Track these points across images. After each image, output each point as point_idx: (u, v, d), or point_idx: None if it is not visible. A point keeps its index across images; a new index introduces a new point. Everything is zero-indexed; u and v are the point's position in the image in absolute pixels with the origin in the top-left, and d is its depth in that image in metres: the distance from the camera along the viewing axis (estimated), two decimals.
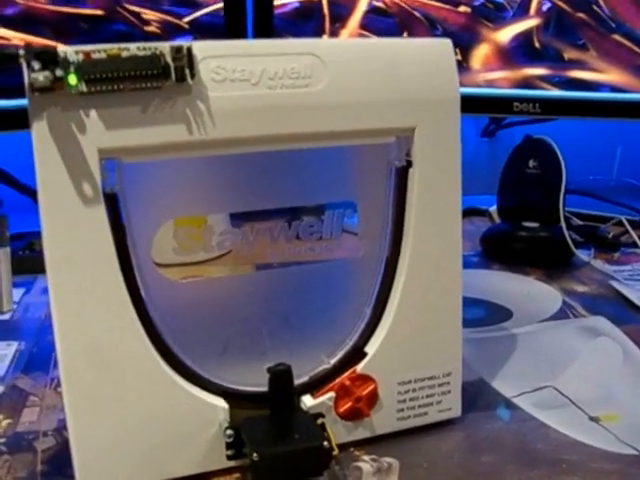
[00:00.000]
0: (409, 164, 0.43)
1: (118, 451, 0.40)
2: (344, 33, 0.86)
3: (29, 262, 0.74)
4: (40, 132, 0.35)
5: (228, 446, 0.41)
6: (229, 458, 0.41)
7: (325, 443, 0.39)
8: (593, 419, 0.48)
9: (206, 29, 0.81)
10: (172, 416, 0.40)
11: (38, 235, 0.37)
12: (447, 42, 0.43)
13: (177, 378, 0.40)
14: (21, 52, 0.33)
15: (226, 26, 0.82)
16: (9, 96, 0.73)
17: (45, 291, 0.38)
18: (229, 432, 0.40)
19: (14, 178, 0.90)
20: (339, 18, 0.86)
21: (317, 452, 0.39)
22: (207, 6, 0.81)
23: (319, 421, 0.42)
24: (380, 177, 0.44)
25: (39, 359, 0.57)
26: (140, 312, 0.39)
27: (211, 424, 0.41)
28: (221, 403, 0.41)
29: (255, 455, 0.37)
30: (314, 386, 0.44)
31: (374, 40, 0.43)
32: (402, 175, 0.43)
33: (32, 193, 0.36)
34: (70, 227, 0.37)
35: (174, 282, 0.42)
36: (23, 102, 0.35)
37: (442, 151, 0.43)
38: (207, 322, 0.42)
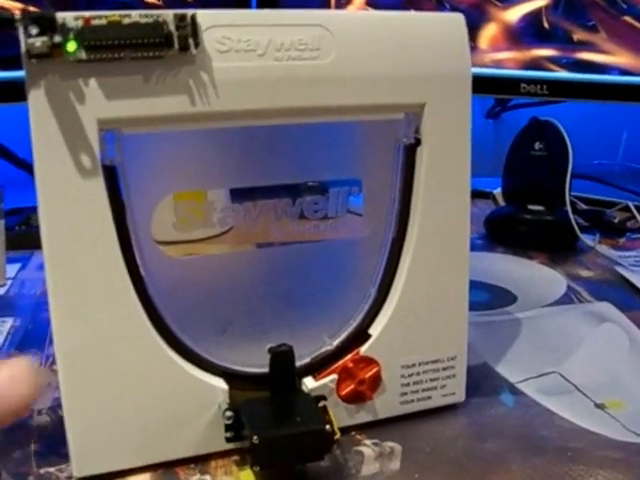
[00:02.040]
0: (417, 142, 0.42)
1: (114, 432, 0.39)
2: (350, 9, 0.85)
3: (26, 237, 0.73)
4: (37, 100, 0.34)
5: (227, 428, 0.40)
6: (228, 440, 0.40)
7: (327, 427, 0.38)
8: (598, 406, 0.47)
9: (210, 2, 0.79)
10: (170, 396, 0.39)
11: (35, 210, 0.36)
12: (459, 17, 0.42)
13: (176, 357, 0.39)
14: (18, 16, 0.32)
15: None
16: (6, 67, 0.72)
17: (41, 267, 0.37)
18: (228, 414, 0.39)
19: (12, 152, 0.89)
20: None
21: (318, 436, 0.38)
22: None
23: (321, 404, 0.41)
24: (387, 155, 0.43)
25: (34, 336, 0.56)
26: (139, 290, 0.38)
27: (210, 405, 0.40)
28: (221, 384, 0.40)
29: (255, 438, 0.37)
30: (316, 368, 0.43)
31: (384, 13, 0.41)
32: (410, 153, 0.42)
33: (30, 168, 0.35)
34: (67, 200, 0.35)
35: (174, 259, 0.40)
36: (21, 74, 0.34)
37: (452, 129, 0.42)
38: (207, 301, 0.41)
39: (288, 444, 0.37)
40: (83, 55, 0.33)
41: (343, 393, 0.43)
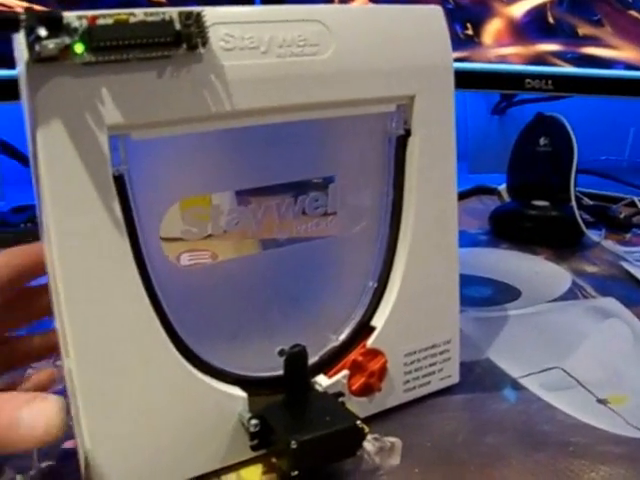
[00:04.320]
0: (407, 133, 0.43)
1: (132, 452, 0.37)
2: (352, 5, 0.85)
3: (30, 235, 0.73)
4: (43, 107, 0.32)
5: (253, 436, 0.39)
6: (254, 448, 0.39)
7: (358, 422, 0.38)
8: (601, 401, 0.47)
9: None
10: (192, 411, 0.38)
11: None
12: (438, 9, 0.43)
13: (194, 371, 0.38)
14: (23, 17, 0.30)
15: None
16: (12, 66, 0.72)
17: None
18: (254, 422, 0.39)
19: (17, 149, 0.89)
20: None
21: (352, 432, 0.38)
22: None
23: (340, 400, 0.41)
24: (376, 148, 0.43)
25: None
26: (154, 303, 0.37)
27: (231, 415, 0.39)
28: (238, 392, 0.40)
29: (293, 442, 0.36)
30: (325, 365, 0.43)
31: (374, 6, 0.42)
32: (401, 144, 0.43)
33: None
34: (78, 212, 0.33)
35: (182, 269, 0.40)
36: None
37: (439, 119, 0.43)
38: (217, 309, 0.41)
39: (325, 444, 0.37)
40: (91, 57, 0.31)
41: (354, 387, 0.43)
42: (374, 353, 0.44)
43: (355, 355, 0.43)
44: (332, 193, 0.42)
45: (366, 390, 0.44)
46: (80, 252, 0.34)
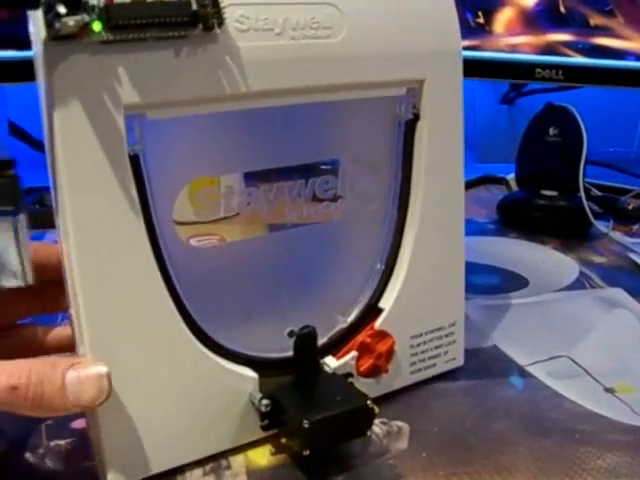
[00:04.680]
0: (416, 117, 0.43)
1: (146, 431, 0.37)
2: None
3: (39, 217, 0.73)
4: (60, 85, 0.31)
5: (263, 416, 0.39)
6: (265, 429, 0.40)
7: (369, 402, 0.38)
8: (608, 390, 0.47)
9: None
10: (205, 392, 0.38)
11: (48, 189, 0.35)
12: None
13: (207, 352, 0.38)
14: None
15: None
16: (21, 47, 0.72)
17: None
18: (265, 402, 0.39)
19: (26, 132, 0.89)
20: None
21: (363, 412, 0.38)
22: None
23: (349, 381, 0.42)
24: (385, 132, 0.44)
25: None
26: (168, 285, 0.37)
27: (242, 396, 0.40)
28: (249, 373, 0.40)
29: (306, 422, 0.36)
30: (333, 346, 0.43)
31: None
32: (410, 128, 0.43)
33: (44, 147, 0.34)
34: (94, 192, 0.33)
35: (194, 250, 0.40)
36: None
37: (447, 104, 0.43)
38: (229, 290, 0.41)
39: (337, 424, 0.37)
40: (109, 35, 0.31)
41: (362, 368, 0.43)
42: (382, 335, 0.44)
43: (363, 337, 0.43)
44: (342, 176, 0.42)
45: (374, 371, 0.44)
46: (95, 231, 0.34)
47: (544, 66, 0.83)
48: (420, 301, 0.45)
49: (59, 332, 0.43)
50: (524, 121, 0.84)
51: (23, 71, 0.72)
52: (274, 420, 0.39)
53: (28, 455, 0.40)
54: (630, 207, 0.84)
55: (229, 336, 0.40)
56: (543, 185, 0.80)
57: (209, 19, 0.33)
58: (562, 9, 0.82)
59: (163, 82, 0.34)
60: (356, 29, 0.39)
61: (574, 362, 0.51)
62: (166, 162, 0.37)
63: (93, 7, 0.30)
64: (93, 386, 0.33)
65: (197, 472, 0.39)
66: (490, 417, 0.44)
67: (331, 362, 0.42)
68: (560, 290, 0.64)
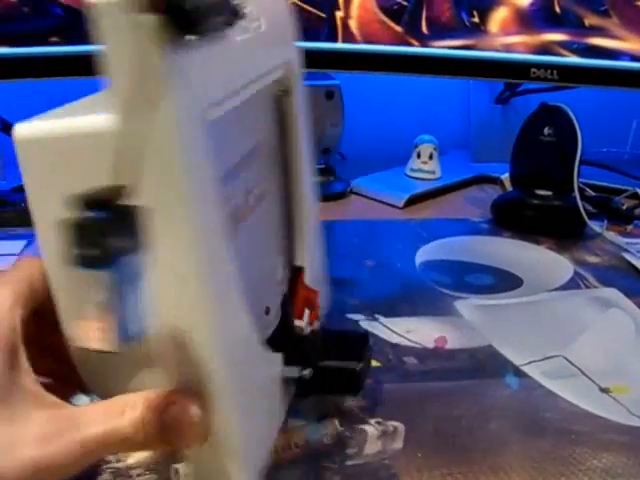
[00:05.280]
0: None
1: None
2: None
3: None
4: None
5: (301, 384, 0.39)
6: (303, 395, 0.40)
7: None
8: (603, 390, 0.47)
9: None
10: (262, 379, 0.37)
11: None
12: None
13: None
14: None
15: None
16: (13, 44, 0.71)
17: None
18: (307, 370, 0.39)
19: None
20: None
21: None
22: None
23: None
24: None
25: None
26: None
27: (277, 374, 0.38)
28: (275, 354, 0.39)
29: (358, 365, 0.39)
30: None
31: None
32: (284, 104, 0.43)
33: None
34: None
35: None
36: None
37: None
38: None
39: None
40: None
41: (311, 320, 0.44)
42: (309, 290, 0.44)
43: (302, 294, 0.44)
44: None
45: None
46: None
47: (539, 66, 0.83)
48: None
49: None
50: (519, 121, 0.83)
51: (15, 68, 0.72)
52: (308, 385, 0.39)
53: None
54: (624, 207, 0.84)
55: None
56: (537, 185, 0.80)
57: (240, 6, 0.31)
58: (557, 9, 0.82)
59: (223, 75, 0.32)
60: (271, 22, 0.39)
61: (569, 362, 0.51)
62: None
63: None
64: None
65: None
66: (485, 417, 0.44)
67: (300, 323, 0.42)
68: (554, 290, 0.64)
